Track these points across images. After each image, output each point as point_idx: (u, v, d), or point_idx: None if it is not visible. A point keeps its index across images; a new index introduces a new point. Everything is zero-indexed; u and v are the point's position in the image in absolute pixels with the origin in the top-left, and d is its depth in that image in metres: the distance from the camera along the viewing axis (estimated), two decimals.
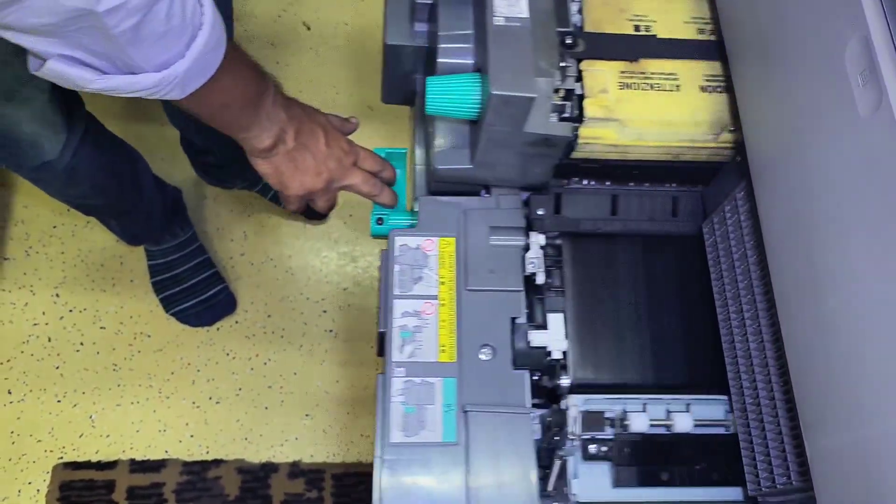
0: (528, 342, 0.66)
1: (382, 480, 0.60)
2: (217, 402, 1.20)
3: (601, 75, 0.64)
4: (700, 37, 0.66)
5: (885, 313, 0.44)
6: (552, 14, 0.63)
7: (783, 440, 0.58)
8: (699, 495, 0.63)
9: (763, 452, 0.61)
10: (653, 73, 0.64)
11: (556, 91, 0.64)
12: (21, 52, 0.74)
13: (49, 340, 1.22)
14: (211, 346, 1.24)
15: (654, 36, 0.66)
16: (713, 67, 0.65)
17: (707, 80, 0.64)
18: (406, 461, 0.61)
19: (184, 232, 1.22)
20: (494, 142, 0.64)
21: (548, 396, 0.68)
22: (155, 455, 1.16)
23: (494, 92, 0.57)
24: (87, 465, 1.14)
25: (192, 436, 1.18)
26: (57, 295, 1.25)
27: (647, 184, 0.73)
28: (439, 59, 0.67)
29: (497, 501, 0.60)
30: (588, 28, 0.66)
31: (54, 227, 1.29)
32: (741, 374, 0.64)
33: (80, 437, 1.17)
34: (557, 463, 0.63)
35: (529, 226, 0.70)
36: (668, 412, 0.65)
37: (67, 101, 0.87)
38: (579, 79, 0.64)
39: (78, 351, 1.22)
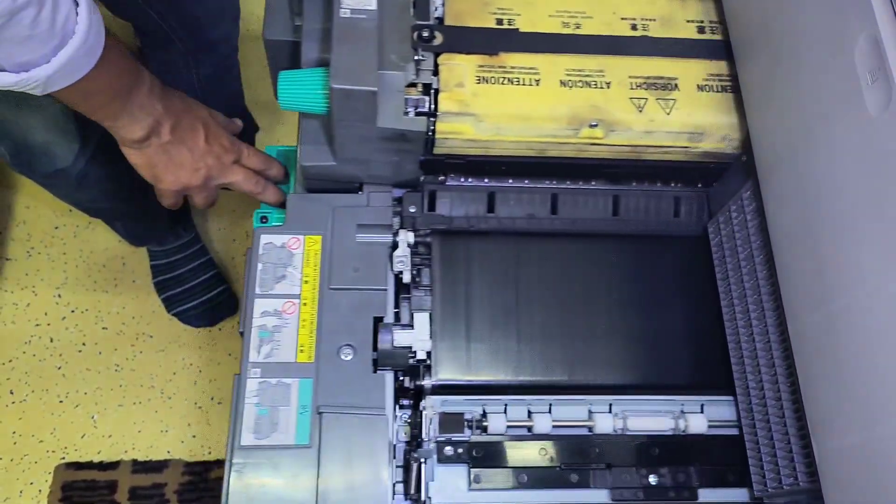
0: (393, 342, 0.65)
1: (230, 484, 0.59)
2: (219, 403, 1.21)
3: (458, 69, 0.62)
4: (565, 30, 0.65)
5: (893, 313, 0.44)
6: (407, 7, 0.62)
7: (790, 441, 0.57)
8: (559, 497, 0.62)
9: (770, 453, 0.60)
10: (513, 67, 0.63)
11: (414, 85, 0.62)
12: None
13: (51, 341, 1.24)
14: (213, 347, 1.25)
15: (517, 30, 0.64)
16: (576, 61, 0.63)
17: (568, 75, 0.63)
18: (255, 464, 0.59)
19: (187, 233, 1.24)
20: (350, 137, 0.62)
21: (416, 398, 0.66)
22: (157, 455, 1.18)
23: (333, 86, 0.56)
24: (88, 465, 1.17)
25: (194, 436, 1.19)
26: (59, 295, 1.26)
27: (525, 180, 0.72)
28: (302, 53, 0.65)
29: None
30: (449, 21, 0.64)
31: (56, 227, 1.30)
32: (747, 374, 0.62)
33: (82, 437, 1.19)
34: (414, 466, 0.62)
35: (401, 224, 0.69)
36: (530, 413, 0.64)
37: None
38: (436, 73, 0.62)
39: (80, 351, 1.23)
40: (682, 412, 0.64)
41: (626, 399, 0.64)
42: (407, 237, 0.67)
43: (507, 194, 0.70)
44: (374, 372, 0.63)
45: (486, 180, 0.71)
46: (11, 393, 1.20)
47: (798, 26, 0.53)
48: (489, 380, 0.64)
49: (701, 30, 0.66)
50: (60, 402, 1.20)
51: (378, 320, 0.65)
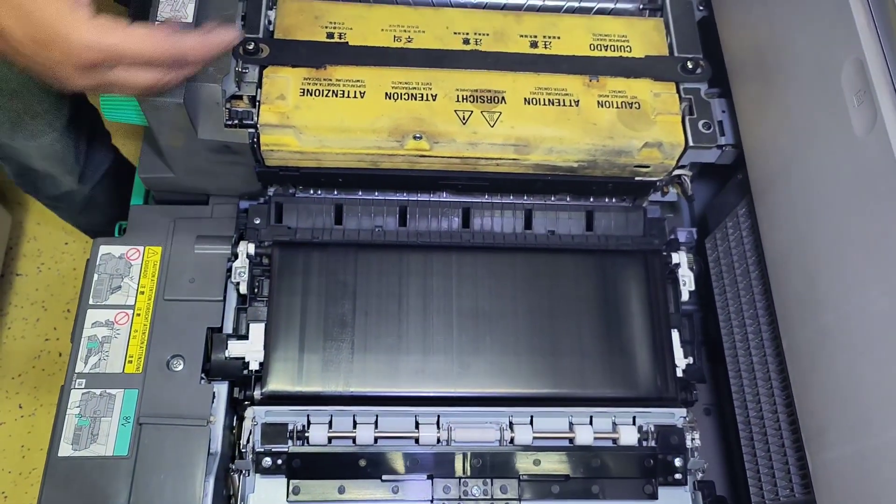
0: (227, 352, 0.65)
1: (43, 497, 0.58)
2: None
3: (281, 81, 0.63)
4: (396, 44, 0.66)
5: (882, 326, 0.45)
6: (233, 19, 0.63)
7: (786, 453, 0.58)
8: None
9: (766, 465, 0.61)
10: (339, 80, 0.63)
11: (240, 98, 0.63)
12: (33, 85, 0.74)
13: (60, 356, 1.25)
14: None
15: (346, 43, 0.65)
16: (404, 74, 0.64)
17: (395, 87, 0.64)
18: (71, 476, 0.59)
19: None
20: (176, 149, 0.63)
21: None
22: None
23: (137, 97, 0.56)
24: None
25: None
26: (68, 311, 1.28)
27: (375, 193, 0.72)
28: None
29: None
30: (278, 34, 0.65)
31: (66, 243, 1.32)
32: (744, 387, 0.63)
33: None
34: (233, 477, 0.61)
35: (244, 235, 0.69)
36: (356, 423, 0.63)
37: (88, 138, 0.87)
38: (261, 85, 0.63)
39: None
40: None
41: (452, 410, 0.64)
42: (247, 248, 0.67)
43: (354, 206, 0.71)
44: (208, 382, 0.63)
45: (335, 192, 0.72)
46: (20, 407, 1.20)
47: (789, 51, 0.55)
48: (319, 390, 0.64)
49: (534, 44, 0.67)
50: None
51: (213, 331, 0.65)
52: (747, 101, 0.61)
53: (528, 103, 0.64)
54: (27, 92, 0.77)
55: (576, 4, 0.72)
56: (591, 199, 0.73)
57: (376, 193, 0.72)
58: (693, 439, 0.62)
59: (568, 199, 0.73)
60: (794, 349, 0.54)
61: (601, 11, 0.72)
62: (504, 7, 0.71)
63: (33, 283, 1.30)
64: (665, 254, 0.71)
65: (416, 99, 0.63)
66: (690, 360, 0.67)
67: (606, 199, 0.74)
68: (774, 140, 0.56)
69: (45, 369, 1.24)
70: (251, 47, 0.63)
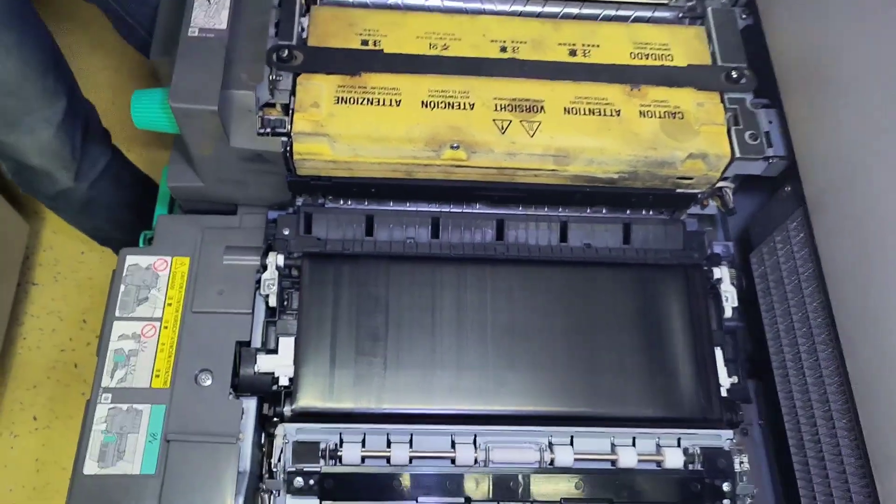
0: (256, 367, 0.63)
1: None
2: None
3: (315, 89, 0.61)
4: (431, 51, 0.64)
5: None
6: (267, 27, 0.61)
7: (847, 479, 0.55)
8: None
9: (825, 492, 0.57)
10: (373, 88, 0.62)
11: (273, 105, 0.61)
12: (28, 82, 0.75)
13: (75, 366, 1.23)
14: None
15: (381, 51, 0.63)
16: (440, 82, 0.62)
17: (431, 96, 0.62)
18: (96, 495, 0.57)
19: None
20: (207, 158, 0.61)
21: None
22: None
23: (171, 104, 0.55)
24: None
25: None
26: (84, 321, 1.26)
27: (407, 204, 0.71)
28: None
29: None
30: (312, 42, 0.63)
31: (82, 252, 1.31)
32: (797, 408, 0.60)
33: None
34: (263, 497, 0.59)
35: (273, 246, 0.67)
36: (390, 443, 0.61)
37: (84, 135, 0.87)
38: (294, 93, 0.61)
39: None
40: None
41: (489, 429, 0.62)
42: (276, 260, 0.65)
43: (386, 217, 0.69)
44: (237, 398, 0.61)
45: (366, 203, 0.70)
46: (35, 419, 1.19)
47: (848, 58, 0.52)
48: (351, 407, 0.62)
49: (573, 52, 0.65)
50: None
51: (242, 345, 0.63)
52: (801, 111, 0.59)
53: (568, 113, 0.62)
54: (22, 89, 0.78)
55: (613, 13, 0.70)
56: (628, 212, 0.71)
57: (408, 204, 0.70)
58: (741, 462, 0.60)
59: (604, 210, 0.71)
60: (860, 371, 0.52)
61: (639, 20, 0.70)
62: (540, 15, 0.70)
63: (49, 292, 1.29)
64: (706, 268, 0.69)
65: (452, 107, 0.61)
66: (735, 378, 0.65)
67: (643, 212, 0.72)
68: (834, 151, 0.54)
69: (60, 380, 1.22)
70: (284, 54, 0.61)
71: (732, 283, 0.68)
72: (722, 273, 0.68)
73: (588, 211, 0.71)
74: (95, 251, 1.30)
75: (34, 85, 0.79)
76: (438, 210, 0.70)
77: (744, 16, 0.68)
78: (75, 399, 1.20)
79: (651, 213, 0.71)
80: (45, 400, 1.21)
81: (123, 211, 1.01)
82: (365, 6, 0.68)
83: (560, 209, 0.71)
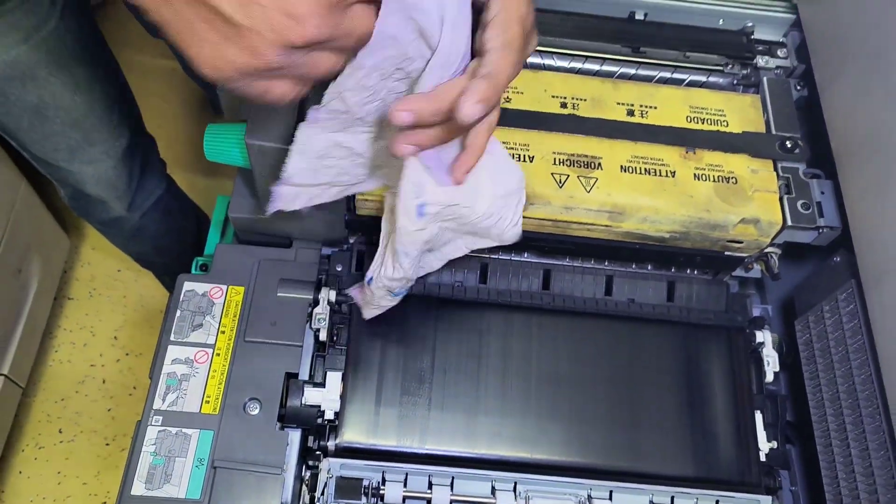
0: (303, 399, 0.64)
1: None
2: None
3: None
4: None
5: None
6: None
7: None
8: None
9: None
10: None
11: None
12: (94, 116, 0.78)
13: (104, 382, 1.25)
14: None
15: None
16: (502, 134, 0.64)
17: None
18: None
19: None
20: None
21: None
22: None
23: (247, 141, 0.57)
24: None
25: None
26: (115, 338, 1.28)
27: None
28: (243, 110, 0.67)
29: None
30: None
31: (118, 270, 1.34)
32: (840, 480, 0.60)
33: None
34: None
35: (326, 282, 0.69)
36: (431, 484, 0.62)
37: (143, 168, 0.90)
38: None
39: (130, 395, 1.24)
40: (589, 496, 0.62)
41: (529, 478, 0.62)
42: (328, 295, 0.67)
43: None
44: (281, 429, 0.62)
45: None
46: (60, 432, 1.20)
47: None
48: (394, 445, 0.63)
49: (630, 112, 0.67)
50: (107, 444, 1.19)
51: (290, 376, 0.64)
52: (858, 185, 0.60)
53: (625, 171, 0.64)
54: (87, 122, 0.80)
55: (668, 75, 0.72)
56: (672, 269, 0.73)
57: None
58: None
59: (649, 267, 0.72)
60: None
61: (694, 84, 0.72)
62: (598, 73, 0.72)
63: (84, 307, 1.31)
64: (748, 331, 0.69)
65: (513, 159, 0.63)
66: (774, 443, 0.65)
67: (688, 271, 0.73)
68: (893, 228, 0.55)
69: (88, 395, 1.24)
70: None
71: (774, 348, 0.68)
72: (764, 337, 0.68)
73: (633, 266, 0.73)
74: (132, 270, 1.33)
75: (100, 119, 0.82)
76: (487, 256, 0.72)
77: (798, 86, 0.70)
78: (101, 415, 1.22)
79: (695, 272, 0.73)
80: (71, 414, 1.22)
81: (169, 238, 1.03)
82: None
83: (606, 262, 0.72)
